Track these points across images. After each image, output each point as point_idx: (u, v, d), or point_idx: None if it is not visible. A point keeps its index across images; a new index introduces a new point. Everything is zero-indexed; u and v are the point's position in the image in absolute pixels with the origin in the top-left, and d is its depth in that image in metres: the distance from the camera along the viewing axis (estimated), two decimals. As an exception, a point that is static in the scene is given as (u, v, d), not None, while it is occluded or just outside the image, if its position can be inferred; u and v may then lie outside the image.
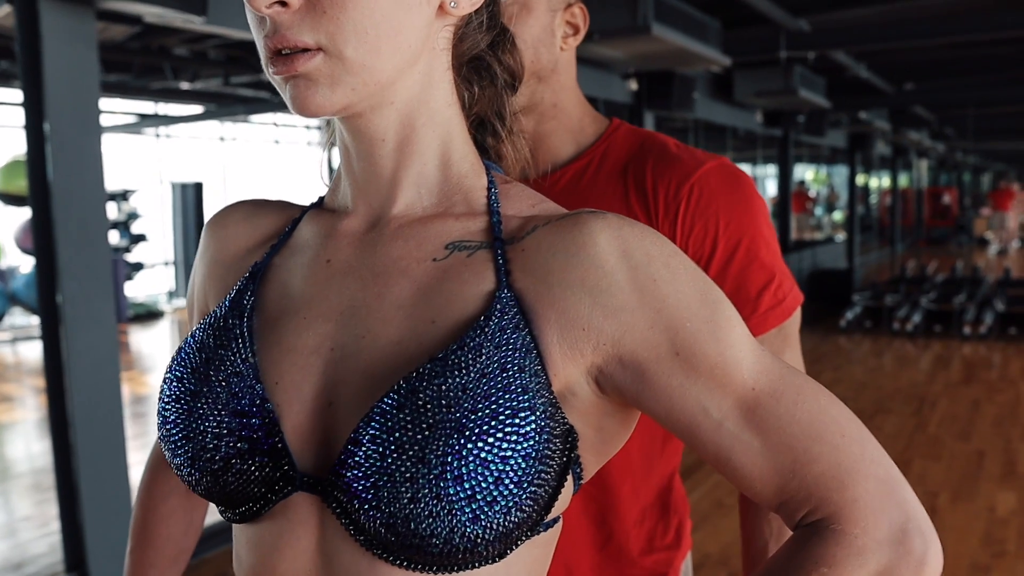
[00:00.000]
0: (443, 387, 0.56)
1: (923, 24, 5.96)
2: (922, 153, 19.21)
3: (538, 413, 0.57)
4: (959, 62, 8.32)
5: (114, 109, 10.76)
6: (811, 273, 11.07)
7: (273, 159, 13.47)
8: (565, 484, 0.59)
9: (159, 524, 0.90)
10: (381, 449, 0.56)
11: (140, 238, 10.99)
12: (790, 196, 11.27)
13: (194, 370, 0.65)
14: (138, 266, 11.15)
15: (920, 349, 8.26)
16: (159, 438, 0.66)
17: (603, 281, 0.59)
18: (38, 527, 4.19)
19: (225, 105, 9.34)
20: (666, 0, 4.83)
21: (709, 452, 0.61)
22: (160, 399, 0.66)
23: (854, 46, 6.59)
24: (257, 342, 0.66)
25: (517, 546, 0.58)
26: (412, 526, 0.55)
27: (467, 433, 0.55)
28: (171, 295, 11.90)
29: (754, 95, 7.34)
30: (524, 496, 0.56)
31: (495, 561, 0.58)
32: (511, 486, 0.55)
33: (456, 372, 0.57)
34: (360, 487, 0.56)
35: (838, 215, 22.52)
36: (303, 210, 0.75)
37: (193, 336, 0.68)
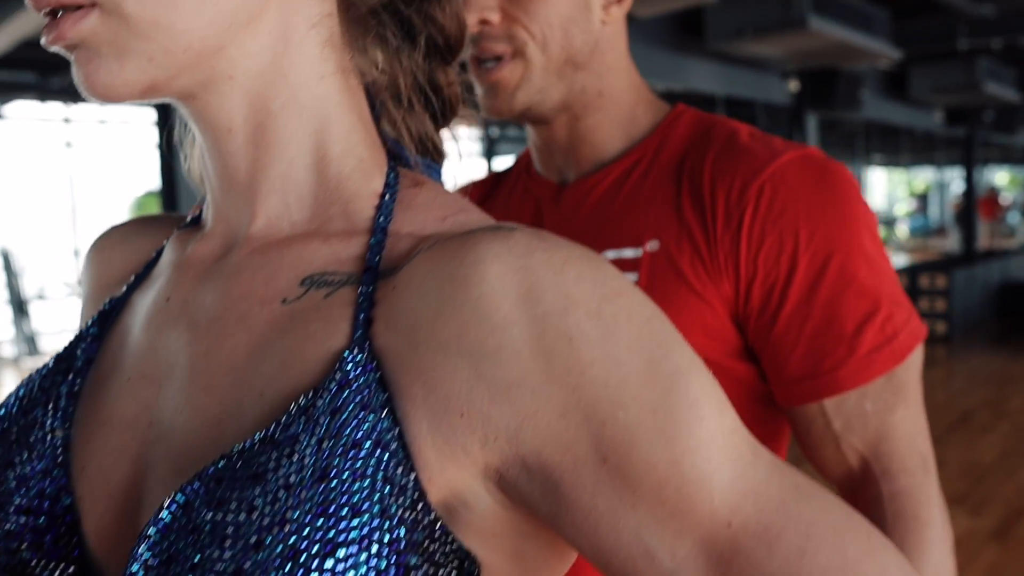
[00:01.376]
0: (231, 504, 0.38)
1: None
2: None
3: (379, 546, 0.37)
4: None
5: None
6: (1001, 286, 10.13)
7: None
8: None
9: None
10: None
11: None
12: (975, 202, 10.38)
13: (3, 434, 0.49)
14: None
15: None
16: None
17: (490, 341, 0.39)
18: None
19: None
20: (825, -10, 4.49)
21: None
22: None
23: (1050, 32, 5.92)
24: (80, 408, 0.50)
25: None
26: None
27: None
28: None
29: (932, 91, 6.76)
30: None
31: None
32: None
33: (248, 483, 0.38)
34: None
35: (1037, 222, 20.70)
36: (178, 226, 0.58)
37: (17, 392, 0.52)
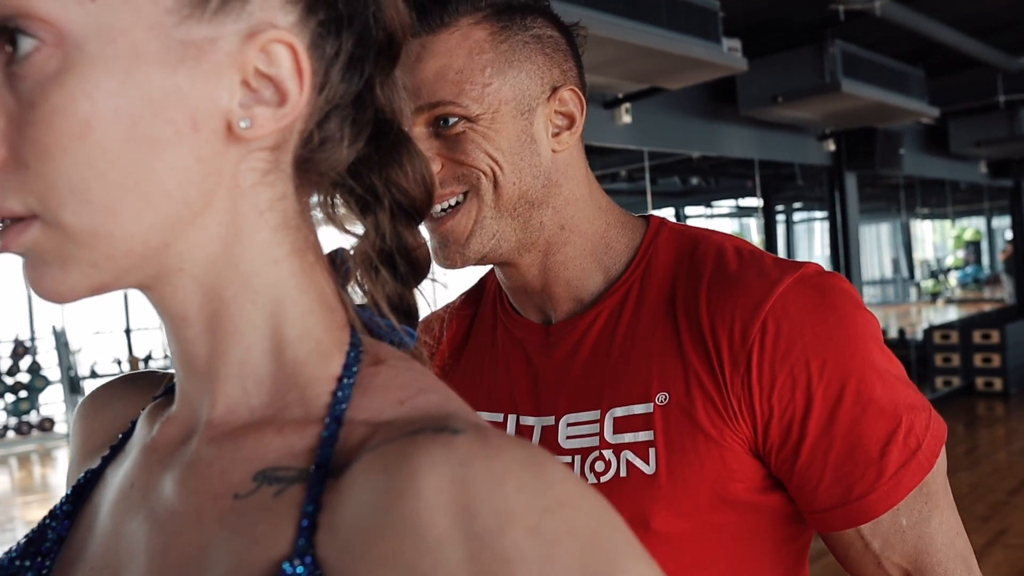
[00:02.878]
0: None
1: None
2: None
3: None
4: None
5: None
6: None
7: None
8: None
9: None
10: None
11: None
12: (1028, 252, 10.12)
13: None
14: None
15: None
16: None
17: (424, 561, 0.37)
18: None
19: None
20: (857, 53, 4.48)
21: None
22: None
23: (1090, 82, 5.84)
24: None
25: None
26: None
27: None
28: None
29: (974, 145, 6.67)
30: None
31: None
32: None
33: None
34: None
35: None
36: (155, 396, 0.57)
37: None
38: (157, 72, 0.43)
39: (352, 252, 0.52)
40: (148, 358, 10.25)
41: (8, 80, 0.42)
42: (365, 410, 0.46)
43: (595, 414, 0.83)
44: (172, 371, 0.58)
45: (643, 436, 0.80)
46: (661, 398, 0.80)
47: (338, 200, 0.52)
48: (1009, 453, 6.43)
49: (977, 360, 8.46)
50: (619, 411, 0.82)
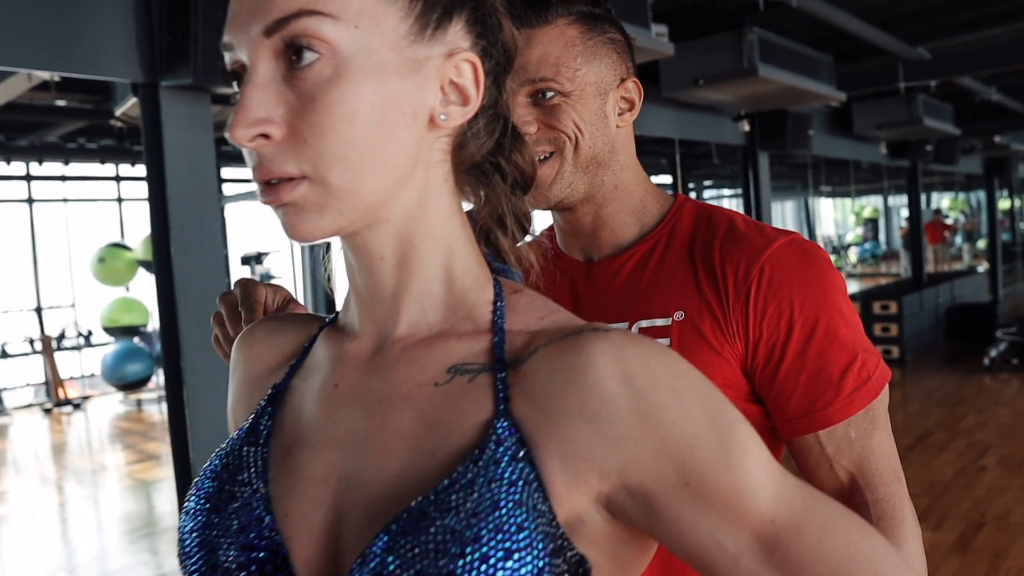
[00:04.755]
0: (432, 529, 0.54)
1: (1056, 42, 5.62)
2: (1071, 174, 17.98)
3: (537, 552, 0.54)
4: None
5: (248, 177, 11.37)
6: (949, 308, 10.47)
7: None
8: None
9: None
10: None
11: (273, 298, 11.46)
12: (922, 228, 10.75)
13: (208, 499, 0.65)
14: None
15: (1077, 387, 7.64)
16: (181, 571, 0.65)
17: (603, 410, 0.56)
18: (174, 583, 4.38)
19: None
20: (772, 40, 4.74)
21: None
22: (179, 531, 0.65)
23: (980, 70, 6.27)
24: (272, 470, 0.65)
25: None
26: None
27: None
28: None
29: (876, 128, 7.07)
30: None
31: None
32: None
33: (446, 512, 0.54)
34: None
35: (981, 243, 21.31)
36: (320, 326, 0.74)
37: (210, 464, 0.68)
38: (395, 79, 0.60)
39: (487, 216, 0.70)
40: (61, 336, 10.03)
41: (288, 82, 0.58)
42: (517, 323, 0.65)
43: (624, 325, 1.05)
44: (313, 313, 0.76)
45: (662, 343, 0.99)
46: (678, 315, 1.03)
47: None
48: (905, 415, 6.92)
49: (876, 330, 9.00)
50: (644, 323, 1.04)
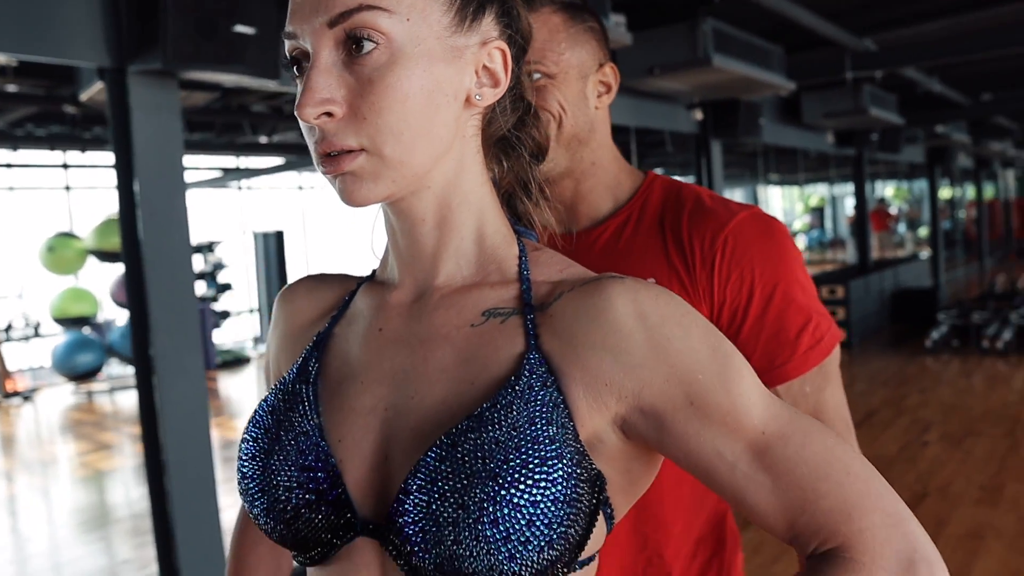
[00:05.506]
0: (479, 441, 0.63)
1: (996, 34, 5.82)
2: (1007, 163, 18.58)
3: (565, 461, 0.63)
4: (1037, 70, 8.07)
5: (199, 165, 11.26)
6: (894, 293, 10.80)
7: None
8: (596, 524, 0.65)
9: (249, 572, 0.98)
10: (427, 498, 0.63)
11: (226, 287, 11.44)
12: (867, 215, 11.05)
13: (267, 430, 0.73)
14: (225, 314, 11.58)
15: (1012, 368, 7.95)
16: (240, 492, 0.74)
17: (622, 342, 0.65)
18: (138, 569, 4.38)
19: (303, 156, 9.67)
20: (726, 31, 4.86)
21: (726, 491, 0.67)
22: (239, 457, 0.74)
23: (924, 62, 6.48)
24: (321, 404, 0.74)
25: None
26: (457, 565, 0.61)
27: (501, 481, 0.61)
28: (257, 341, 12.29)
29: (823, 117, 7.26)
30: (555, 536, 0.62)
31: None
32: (543, 527, 0.61)
33: (490, 427, 0.63)
34: (411, 531, 0.63)
35: (923, 231, 21.90)
36: (358, 283, 0.83)
37: (266, 400, 0.76)
38: (440, 65, 0.68)
39: (509, 184, 0.79)
40: (9, 327, 9.84)
41: (348, 67, 0.66)
42: (540, 274, 0.74)
43: None
44: (347, 273, 0.84)
45: None
46: (649, 281, 1.09)
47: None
48: (852, 394, 7.15)
49: (824, 314, 9.21)
50: None
